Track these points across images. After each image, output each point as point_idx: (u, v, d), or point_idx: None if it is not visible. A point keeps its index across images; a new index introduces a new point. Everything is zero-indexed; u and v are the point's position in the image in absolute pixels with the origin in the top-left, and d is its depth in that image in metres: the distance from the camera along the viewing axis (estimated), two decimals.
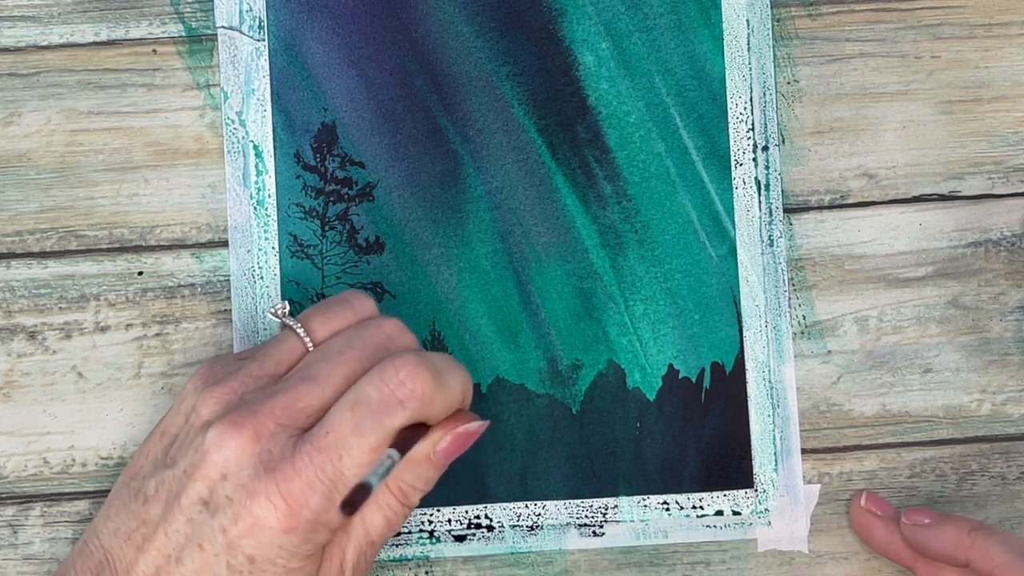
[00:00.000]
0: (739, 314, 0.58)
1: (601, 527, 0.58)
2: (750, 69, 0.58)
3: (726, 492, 0.57)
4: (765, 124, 0.58)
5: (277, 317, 0.54)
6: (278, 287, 0.57)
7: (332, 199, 0.58)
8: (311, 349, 0.53)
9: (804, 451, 0.58)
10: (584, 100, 0.58)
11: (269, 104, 0.58)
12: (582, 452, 0.57)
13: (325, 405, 0.51)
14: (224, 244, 0.58)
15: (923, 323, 0.58)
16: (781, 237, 0.58)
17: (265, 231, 0.57)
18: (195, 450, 0.50)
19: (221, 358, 0.54)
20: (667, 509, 0.57)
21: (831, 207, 0.58)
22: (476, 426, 0.52)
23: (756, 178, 0.58)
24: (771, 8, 0.58)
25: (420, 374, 0.50)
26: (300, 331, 0.53)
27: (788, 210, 0.58)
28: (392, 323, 0.52)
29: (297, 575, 0.50)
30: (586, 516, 0.57)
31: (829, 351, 0.58)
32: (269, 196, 0.57)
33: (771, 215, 0.58)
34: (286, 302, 0.54)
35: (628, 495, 0.57)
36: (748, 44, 0.58)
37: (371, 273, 0.58)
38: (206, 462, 0.50)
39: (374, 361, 0.51)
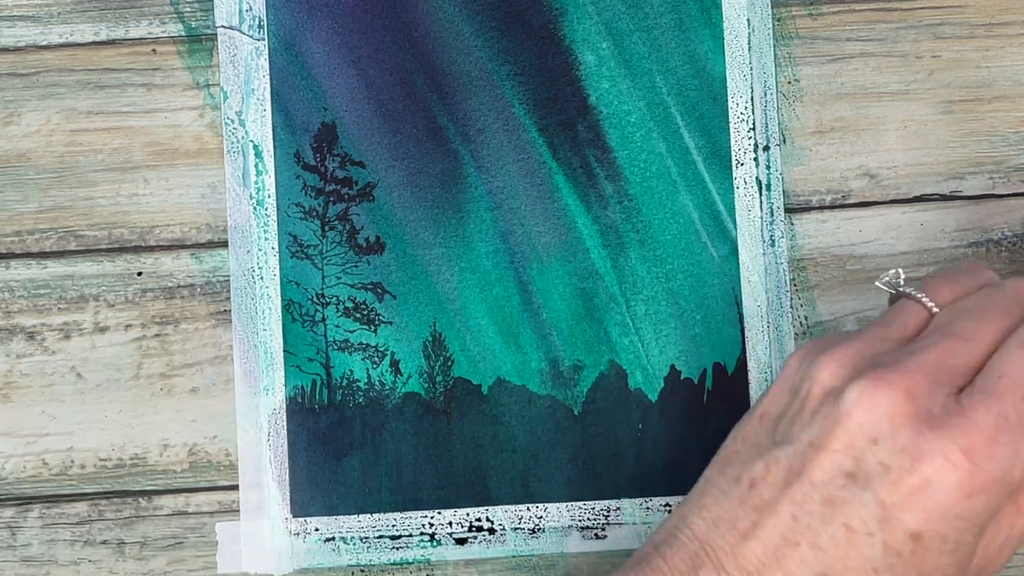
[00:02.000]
0: (741, 314, 0.57)
1: (603, 530, 0.57)
2: (751, 69, 0.58)
3: None
4: (766, 124, 0.58)
5: (889, 287, 0.49)
6: (278, 287, 0.57)
7: (332, 199, 0.58)
8: (935, 311, 0.48)
9: None
10: (585, 100, 0.58)
11: (269, 104, 0.57)
12: (584, 454, 0.57)
13: (979, 362, 0.45)
14: (224, 244, 0.58)
15: None
16: (782, 237, 0.58)
17: (265, 231, 0.57)
18: (824, 418, 0.45)
19: (822, 338, 0.49)
20: (670, 511, 0.57)
21: (832, 207, 0.58)
22: None
23: (757, 178, 0.58)
24: (772, 7, 0.58)
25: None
26: (923, 297, 0.48)
27: (789, 210, 0.58)
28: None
29: (961, 557, 0.44)
30: (588, 519, 0.57)
31: None
32: (269, 196, 0.57)
33: (772, 215, 0.58)
34: (899, 270, 0.50)
35: (630, 497, 0.57)
36: (749, 43, 0.58)
37: (371, 273, 0.57)
38: (845, 428, 0.44)
39: (1022, 318, 0.46)
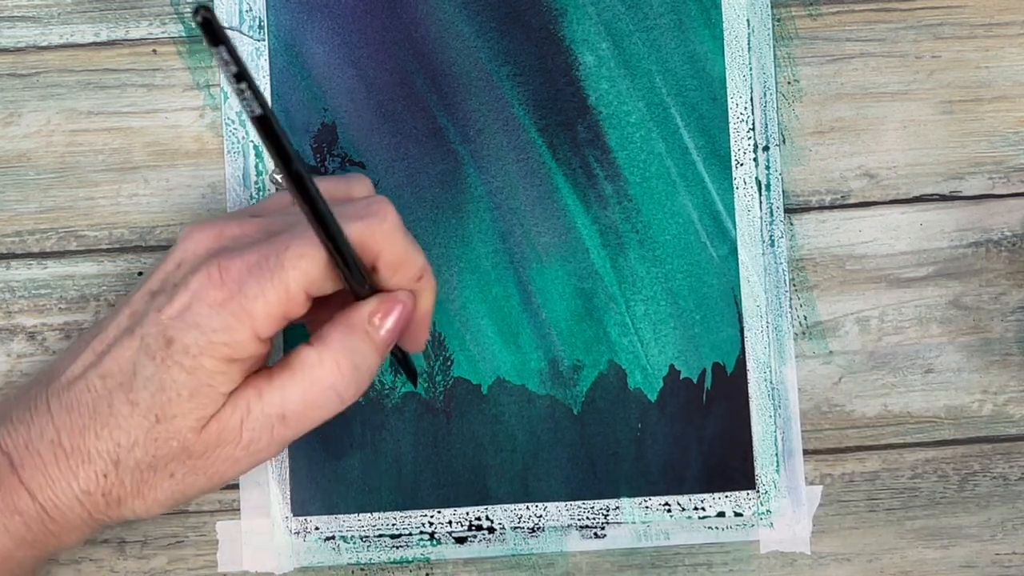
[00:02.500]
0: (740, 314, 0.58)
1: (602, 529, 0.57)
2: (750, 69, 0.58)
3: (728, 493, 0.57)
4: (766, 124, 0.58)
5: (278, 183, 0.52)
6: None
7: None
8: None
9: (806, 452, 0.58)
10: (584, 100, 0.58)
11: (269, 104, 0.57)
12: (583, 453, 0.57)
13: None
14: None
15: (924, 323, 0.58)
16: (782, 237, 0.58)
17: None
18: (163, 257, 0.50)
19: None
20: (669, 510, 0.57)
21: (832, 207, 0.58)
22: (405, 296, 0.50)
23: (757, 178, 0.58)
24: (771, 8, 0.58)
25: (390, 208, 0.49)
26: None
27: (789, 210, 0.58)
28: (382, 198, 0.51)
29: (202, 386, 0.48)
30: (587, 518, 0.57)
31: (830, 352, 0.58)
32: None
33: (772, 215, 0.58)
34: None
35: (629, 496, 0.57)
36: (749, 44, 0.58)
37: None
38: (168, 257, 0.50)
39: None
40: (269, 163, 0.57)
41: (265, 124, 0.42)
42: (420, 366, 0.57)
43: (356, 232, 0.48)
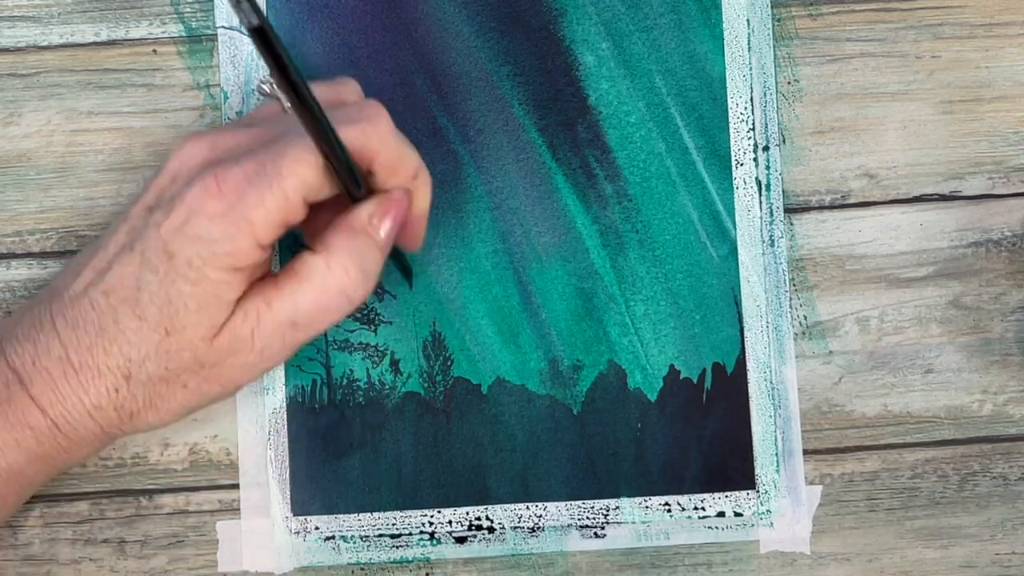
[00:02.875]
0: (740, 314, 0.58)
1: (602, 528, 0.57)
2: (750, 69, 0.58)
3: (728, 493, 0.57)
4: (766, 124, 0.58)
5: (267, 92, 0.52)
6: None
7: None
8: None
9: (806, 452, 0.58)
10: (584, 100, 0.58)
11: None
12: (583, 453, 0.57)
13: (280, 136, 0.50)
14: None
15: (924, 323, 0.58)
16: (782, 237, 0.58)
17: None
18: (156, 174, 0.51)
19: None
20: (668, 510, 0.57)
21: (832, 207, 0.58)
22: (400, 195, 0.51)
23: (757, 178, 0.58)
24: (771, 8, 0.58)
25: (382, 110, 0.50)
26: (284, 99, 0.52)
27: (789, 210, 0.58)
28: (374, 102, 0.51)
29: (208, 296, 0.49)
30: (587, 517, 0.57)
31: (830, 351, 0.58)
32: None
33: (772, 215, 0.58)
34: (266, 80, 0.53)
35: (629, 496, 0.57)
36: (749, 44, 0.58)
37: None
38: (161, 173, 0.50)
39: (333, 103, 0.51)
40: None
41: (262, 35, 0.42)
42: (419, 366, 0.57)
43: (351, 137, 0.48)
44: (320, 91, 0.51)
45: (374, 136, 0.49)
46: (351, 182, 0.49)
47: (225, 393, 0.52)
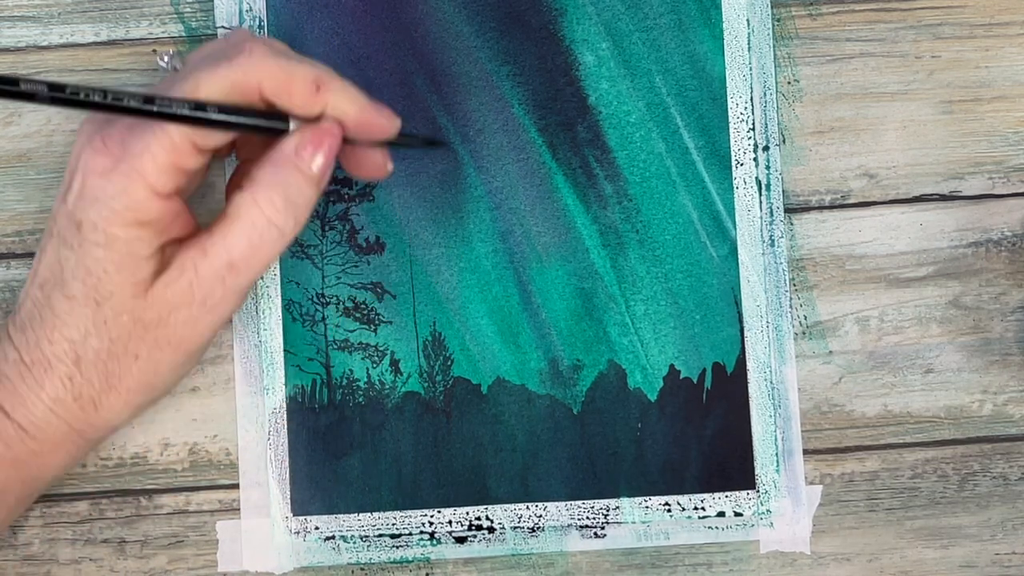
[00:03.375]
0: (740, 314, 0.58)
1: (602, 528, 0.57)
2: (750, 69, 0.58)
3: (728, 493, 0.57)
4: (766, 124, 0.58)
5: (164, 67, 0.52)
6: (278, 287, 0.57)
7: (332, 199, 0.58)
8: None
9: (806, 452, 0.58)
10: (584, 100, 0.58)
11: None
12: (583, 453, 0.57)
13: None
14: None
15: (924, 323, 0.58)
16: (782, 237, 0.58)
17: None
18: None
19: None
20: (669, 510, 0.57)
21: (832, 207, 0.58)
22: (329, 125, 0.50)
23: (757, 178, 0.58)
24: (771, 8, 0.58)
25: (251, 39, 0.50)
26: (179, 64, 0.52)
27: (789, 210, 0.58)
28: (240, 31, 0.52)
29: (123, 255, 0.49)
30: (587, 517, 0.57)
31: (830, 351, 0.58)
32: None
33: (772, 215, 0.58)
34: (175, 51, 0.54)
35: (629, 496, 0.57)
36: (748, 44, 0.58)
37: (371, 273, 0.57)
38: (70, 162, 0.50)
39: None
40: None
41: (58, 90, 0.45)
42: (419, 366, 0.57)
43: (220, 80, 0.48)
44: (210, 47, 0.52)
45: (247, 68, 0.49)
46: (256, 124, 0.50)
47: (181, 357, 0.51)
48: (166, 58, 0.51)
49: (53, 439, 0.51)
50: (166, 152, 0.48)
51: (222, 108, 0.48)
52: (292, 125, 0.50)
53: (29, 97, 0.45)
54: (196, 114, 0.48)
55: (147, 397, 0.52)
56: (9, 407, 0.50)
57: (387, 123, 0.52)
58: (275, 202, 0.50)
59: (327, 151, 0.50)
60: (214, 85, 0.48)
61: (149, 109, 0.47)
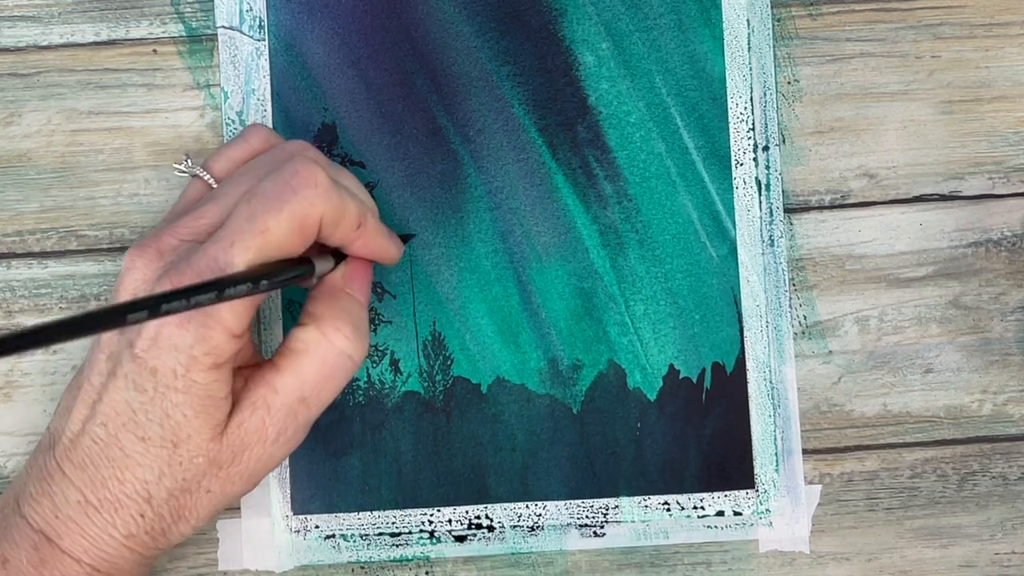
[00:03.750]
0: (740, 314, 0.58)
1: (602, 527, 0.57)
2: (750, 69, 0.58)
3: (727, 492, 0.57)
4: (765, 124, 0.58)
5: (182, 171, 0.53)
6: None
7: None
8: (214, 185, 0.53)
9: (805, 451, 0.58)
10: (584, 100, 0.58)
11: (269, 104, 0.58)
12: (583, 452, 0.57)
13: (223, 219, 0.50)
14: None
15: (924, 323, 0.58)
16: (782, 237, 0.58)
17: None
18: (114, 290, 0.50)
19: None
20: (668, 509, 0.57)
21: (832, 207, 0.58)
22: (358, 262, 0.52)
23: (756, 178, 0.58)
24: (771, 8, 0.58)
25: (313, 168, 0.49)
26: (202, 173, 0.53)
27: (789, 210, 0.58)
28: (295, 143, 0.52)
29: (202, 399, 0.49)
30: (587, 516, 0.57)
31: (830, 351, 0.58)
32: None
33: (772, 215, 0.58)
34: (188, 155, 0.54)
35: (629, 495, 0.57)
36: (748, 44, 0.58)
37: None
38: (119, 291, 0.50)
39: (267, 175, 0.50)
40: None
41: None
42: (419, 365, 0.57)
43: (288, 221, 0.48)
44: (232, 152, 0.53)
45: (312, 204, 0.49)
46: (301, 272, 0.50)
47: (250, 487, 0.52)
48: (187, 163, 0.53)
49: (125, 569, 0.51)
50: (244, 300, 0.48)
51: (275, 278, 0.48)
52: (318, 266, 0.51)
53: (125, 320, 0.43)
54: (260, 290, 0.47)
55: (214, 519, 0.52)
56: (81, 552, 0.50)
57: (396, 252, 0.54)
58: (344, 331, 0.51)
59: (366, 279, 0.53)
60: (283, 226, 0.48)
61: (227, 296, 0.46)
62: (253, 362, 0.52)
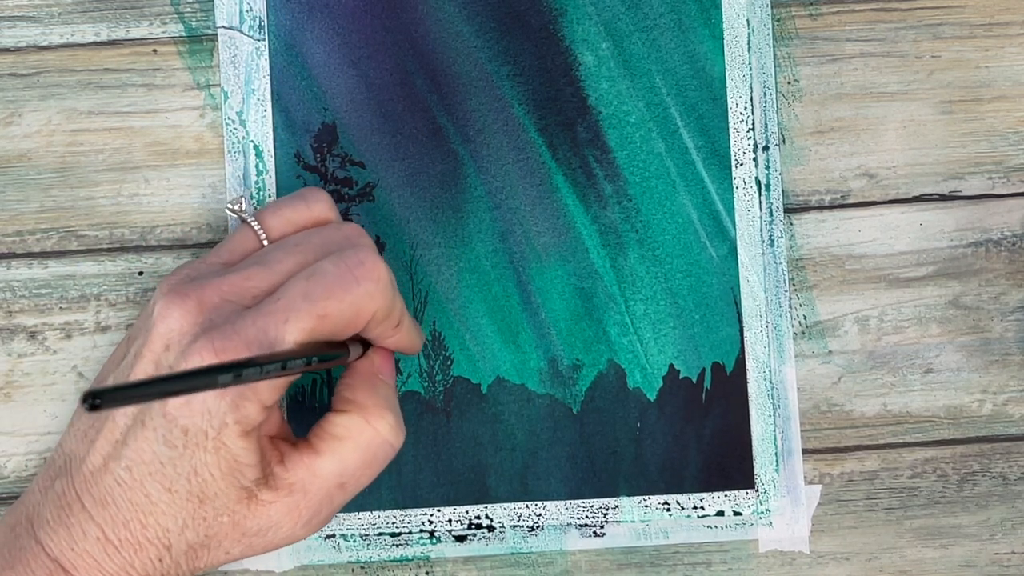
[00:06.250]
0: (740, 314, 0.58)
1: (602, 527, 0.58)
2: (750, 69, 0.58)
3: (727, 492, 0.57)
4: (765, 124, 0.58)
5: (235, 213, 0.53)
6: None
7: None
8: (266, 244, 0.53)
9: (805, 451, 0.58)
10: (584, 100, 0.58)
11: (269, 104, 0.58)
12: (583, 452, 0.57)
13: (273, 288, 0.50)
14: None
15: (924, 323, 0.58)
16: (782, 237, 0.58)
17: None
18: (145, 331, 0.50)
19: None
20: (668, 509, 0.57)
21: (831, 207, 0.58)
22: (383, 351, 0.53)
23: (756, 178, 0.58)
24: (771, 8, 0.58)
25: (379, 262, 0.49)
26: (256, 225, 0.53)
27: (788, 210, 0.58)
28: (352, 226, 0.52)
29: (231, 463, 0.49)
30: (587, 516, 0.57)
31: (830, 351, 0.58)
32: (269, 196, 0.57)
33: (771, 215, 0.58)
34: (246, 193, 0.55)
35: (629, 495, 0.57)
36: (748, 44, 0.58)
37: None
38: (152, 336, 0.49)
39: (324, 255, 0.51)
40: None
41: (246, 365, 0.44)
42: (419, 365, 0.57)
43: (348, 309, 0.49)
44: (289, 213, 0.53)
45: (372, 298, 0.49)
46: (337, 354, 0.50)
47: (264, 552, 0.52)
48: (242, 205, 0.53)
49: None
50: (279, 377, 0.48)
51: (322, 358, 0.49)
52: (351, 352, 0.52)
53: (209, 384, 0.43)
54: (312, 368, 0.48)
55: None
56: None
57: (420, 346, 0.55)
58: (388, 419, 0.51)
59: (394, 366, 0.54)
60: (343, 314, 0.49)
61: (288, 370, 0.47)
62: (280, 433, 0.53)
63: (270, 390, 0.48)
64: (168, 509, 0.49)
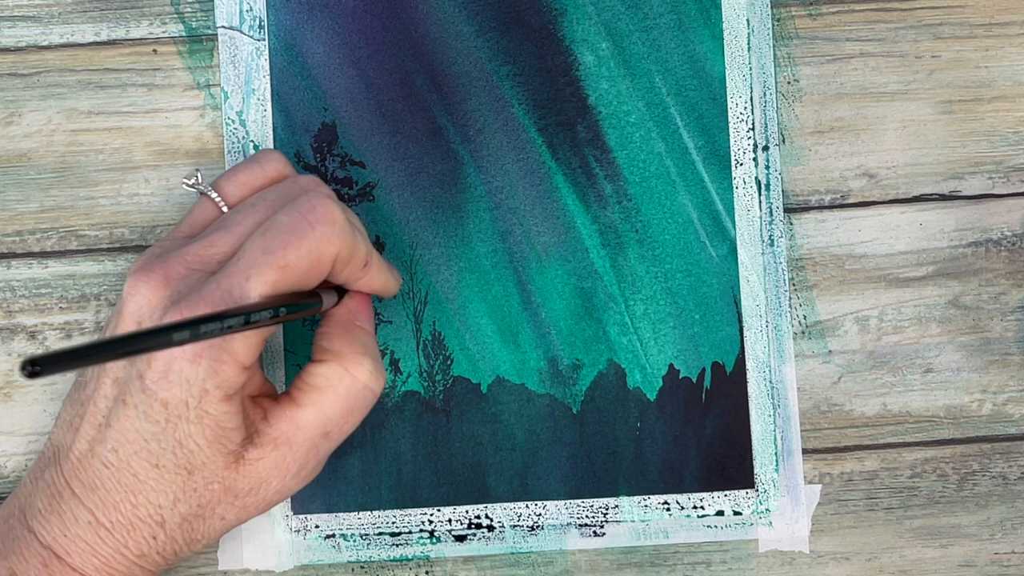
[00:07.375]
0: (740, 314, 0.58)
1: (602, 527, 0.58)
2: (750, 69, 0.58)
3: (727, 492, 0.57)
4: (765, 124, 0.58)
5: (191, 187, 0.53)
6: None
7: None
8: (225, 211, 0.53)
9: (805, 451, 0.58)
10: (584, 100, 0.58)
11: (269, 104, 0.58)
12: (582, 452, 0.57)
13: (234, 250, 0.50)
14: None
15: (924, 323, 0.58)
16: (781, 237, 0.58)
17: None
18: (117, 313, 0.50)
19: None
20: (668, 509, 0.57)
21: (831, 207, 0.58)
22: (359, 295, 0.53)
23: (756, 178, 0.58)
24: (771, 8, 0.58)
25: (330, 205, 0.49)
26: (214, 195, 0.53)
27: (788, 210, 0.58)
28: (307, 177, 0.53)
29: (215, 429, 0.49)
30: (586, 516, 0.57)
31: (830, 351, 0.58)
32: None
33: (771, 215, 0.58)
34: (199, 170, 0.55)
35: (628, 495, 0.57)
36: (748, 44, 0.58)
37: None
38: (124, 315, 0.49)
39: (281, 207, 0.51)
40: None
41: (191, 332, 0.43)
42: (419, 365, 0.57)
43: (306, 257, 0.48)
44: (244, 176, 0.53)
45: (329, 242, 0.49)
46: (311, 303, 0.50)
47: (261, 513, 0.52)
48: (197, 178, 0.53)
49: None
50: (256, 333, 0.48)
51: (292, 308, 0.48)
52: (325, 300, 0.51)
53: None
54: (280, 319, 0.48)
55: (219, 541, 0.53)
56: (91, 569, 0.50)
57: (396, 287, 0.55)
58: (366, 365, 0.51)
59: (372, 312, 0.54)
60: (302, 261, 0.48)
61: (251, 324, 0.46)
62: (263, 391, 0.53)
63: (246, 348, 0.48)
64: (157, 485, 0.49)
